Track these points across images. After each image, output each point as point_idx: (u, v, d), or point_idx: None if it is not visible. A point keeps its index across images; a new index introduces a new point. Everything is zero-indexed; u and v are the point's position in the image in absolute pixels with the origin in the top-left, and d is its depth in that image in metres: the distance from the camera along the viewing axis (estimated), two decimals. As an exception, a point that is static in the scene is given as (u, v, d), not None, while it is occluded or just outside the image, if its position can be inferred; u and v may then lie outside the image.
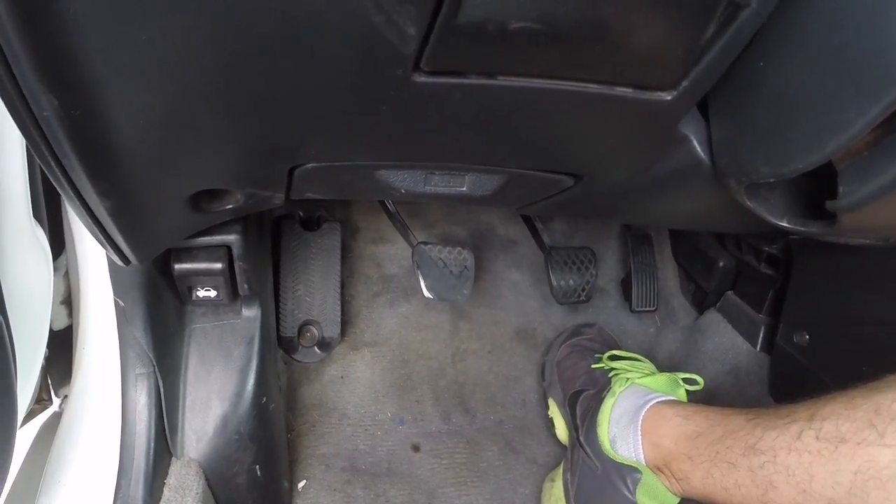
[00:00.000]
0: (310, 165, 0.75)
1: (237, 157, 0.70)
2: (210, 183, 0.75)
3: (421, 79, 0.55)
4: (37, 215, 0.87)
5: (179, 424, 1.03)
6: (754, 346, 1.41)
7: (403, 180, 0.81)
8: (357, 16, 0.47)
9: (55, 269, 1.02)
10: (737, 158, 0.66)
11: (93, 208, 0.66)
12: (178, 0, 0.45)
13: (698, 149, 0.70)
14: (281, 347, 1.37)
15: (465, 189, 0.84)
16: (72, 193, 0.63)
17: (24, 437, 1.06)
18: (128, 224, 0.71)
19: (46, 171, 0.60)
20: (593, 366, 1.28)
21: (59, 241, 1.03)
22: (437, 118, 0.63)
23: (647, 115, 0.64)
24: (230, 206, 0.84)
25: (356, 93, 0.57)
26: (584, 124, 0.67)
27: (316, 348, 1.40)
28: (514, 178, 0.83)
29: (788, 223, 0.71)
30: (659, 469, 1.01)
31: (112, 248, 0.76)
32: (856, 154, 0.59)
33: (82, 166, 0.58)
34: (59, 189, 0.62)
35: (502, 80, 0.56)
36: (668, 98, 0.59)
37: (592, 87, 0.57)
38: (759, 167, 0.63)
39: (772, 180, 0.64)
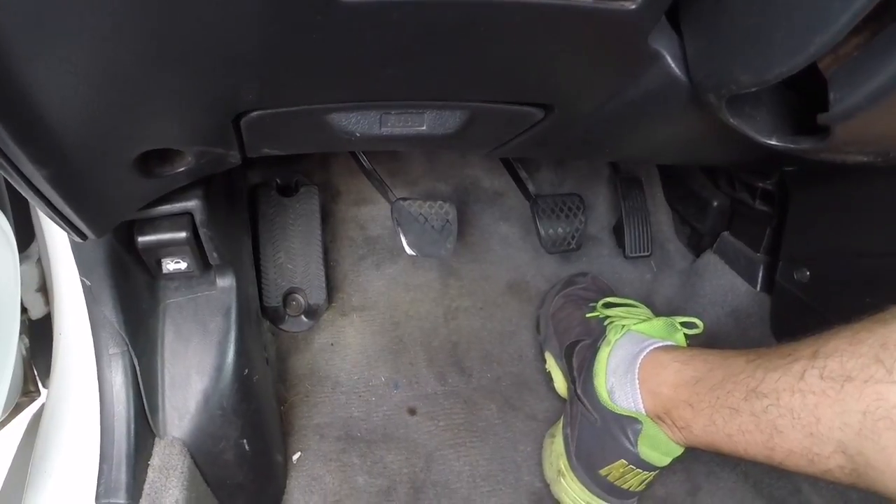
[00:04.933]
0: (255, 114, 0.70)
1: (173, 111, 0.66)
2: (153, 143, 0.71)
3: None
4: (-2, 203, 0.84)
5: (160, 403, 1.00)
6: (754, 286, 1.38)
7: (357, 122, 0.77)
8: None
9: (27, 256, 1.01)
10: (714, 69, 0.62)
11: (31, 179, 0.62)
12: None
13: (672, 65, 0.65)
14: (266, 318, 1.34)
15: (424, 128, 0.79)
16: (4, 164, 0.59)
17: (14, 430, 1.05)
18: (73, 193, 0.67)
19: (-32, 142, 0.56)
20: (588, 315, 1.25)
21: (28, 229, 1.01)
22: (378, 45, 0.58)
23: (611, 29, 0.59)
24: (183, 169, 0.80)
25: (276, 21, 0.52)
26: (542, 43, 0.61)
27: (303, 317, 1.37)
28: (477, 114, 0.78)
29: (778, 140, 0.67)
30: (659, 418, 0.98)
31: (64, 222, 0.72)
32: (845, 58, 0.55)
33: (8, 133, 0.54)
34: None
35: None
36: (632, 7, 0.54)
37: (547, -2, 0.52)
38: (739, 76, 0.59)
39: (754, 89, 0.59)
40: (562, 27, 0.58)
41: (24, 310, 1.03)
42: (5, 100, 0.52)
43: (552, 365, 1.34)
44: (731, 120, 0.66)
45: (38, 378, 1.11)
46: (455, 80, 0.70)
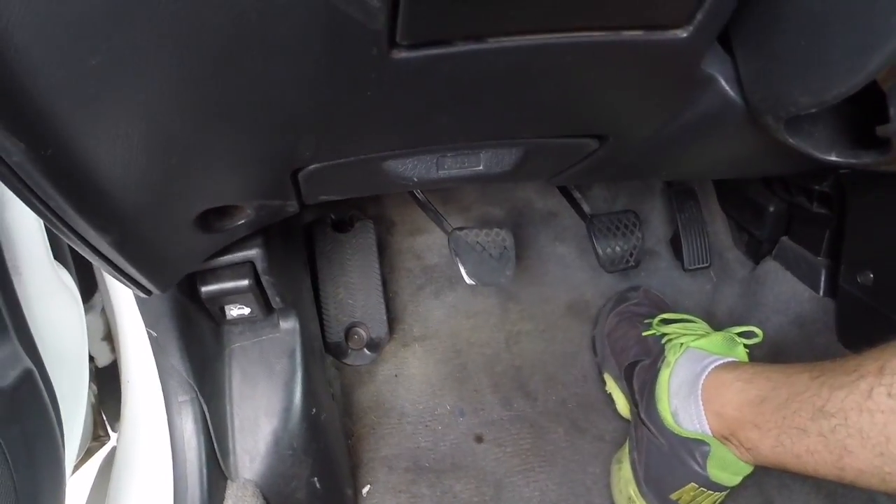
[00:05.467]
0: (312, 167, 0.71)
1: (232, 171, 0.67)
2: (212, 201, 0.72)
3: (401, 55, 0.50)
4: (60, 257, 0.86)
5: (231, 446, 1.02)
6: (817, 291, 1.34)
7: (414, 168, 0.77)
8: None
9: (90, 307, 1.03)
10: (771, 92, 0.61)
11: (95, 245, 0.64)
12: (118, 18, 0.42)
13: (727, 88, 0.65)
14: (329, 353, 1.34)
15: (481, 168, 0.80)
16: (68, 233, 0.60)
17: (86, 474, 1.07)
18: (136, 255, 0.69)
19: (38, 215, 0.57)
20: (644, 333, 1.24)
21: (90, 279, 1.03)
22: (431, 96, 0.59)
23: (664, 58, 0.59)
24: (243, 222, 0.81)
25: (333, 81, 0.53)
26: (595, 78, 0.61)
27: (365, 350, 1.37)
28: (532, 149, 0.78)
29: (838, 157, 0.66)
30: (726, 438, 0.97)
31: (128, 280, 0.73)
32: (903, 71, 0.54)
33: (70, 204, 0.55)
34: (55, 231, 0.60)
35: (493, 43, 0.51)
36: (684, 35, 0.54)
37: (596, 36, 0.52)
38: (798, 97, 0.58)
39: (813, 111, 0.58)
40: (613, 61, 0.58)
41: (91, 358, 1.05)
42: (64, 173, 0.53)
43: (612, 386, 1.33)
44: (791, 140, 0.65)
45: (106, 423, 1.13)
46: (509, 121, 0.70)
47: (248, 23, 0.44)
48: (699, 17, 0.52)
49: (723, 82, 0.65)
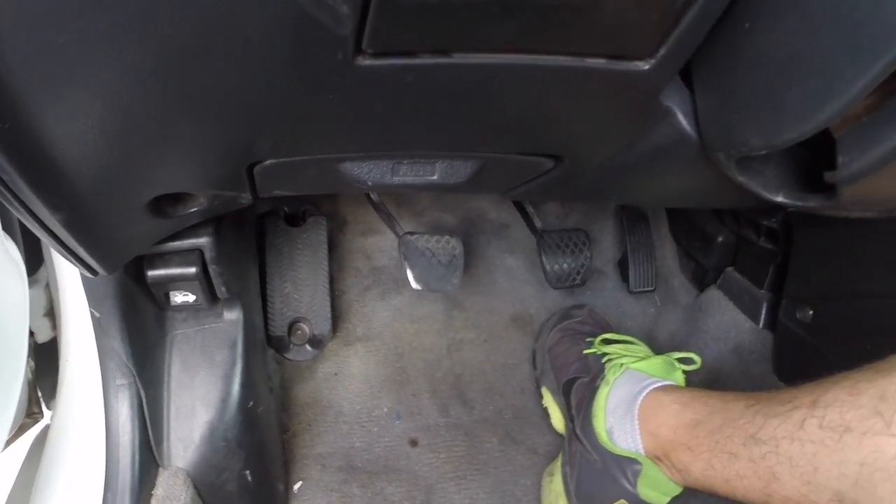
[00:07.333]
0: (268, 162, 0.71)
1: (188, 160, 0.67)
2: (166, 187, 0.72)
3: (365, 62, 0.50)
4: (8, 229, 0.85)
5: (165, 433, 1.01)
6: (757, 323, 1.37)
7: (369, 172, 0.78)
8: None
9: (35, 281, 1.02)
10: (725, 130, 0.62)
11: (45, 222, 0.63)
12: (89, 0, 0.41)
13: (683, 122, 0.66)
14: (271, 347, 1.34)
15: (436, 177, 0.80)
16: (20, 208, 0.60)
17: (17, 451, 1.06)
18: (86, 235, 0.68)
19: (-11, 188, 0.56)
20: (585, 351, 1.25)
21: (37, 254, 1.02)
22: (392, 104, 0.59)
23: (624, 88, 0.59)
24: (195, 210, 0.81)
25: (296, 83, 0.53)
26: (556, 101, 0.62)
27: (307, 346, 1.37)
28: (488, 164, 0.79)
29: (785, 198, 0.68)
30: (658, 459, 0.98)
31: (75, 259, 0.73)
32: (854, 120, 0.56)
33: (24, 180, 0.55)
34: (6, 205, 0.59)
35: (458, 58, 0.52)
36: (646, 67, 0.55)
37: (560, 60, 0.53)
38: (750, 139, 0.59)
39: (764, 152, 0.60)
40: (574, 86, 0.59)
41: (31, 333, 1.03)
42: (21, 148, 0.53)
43: (549, 401, 1.34)
44: (740, 178, 0.66)
45: (41, 400, 1.11)
46: (467, 134, 0.71)
47: (217, 18, 0.44)
48: (662, 51, 0.53)
49: (680, 115, 0.66)
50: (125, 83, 0.50)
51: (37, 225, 0.63)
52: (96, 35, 0.45)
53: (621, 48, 0.53)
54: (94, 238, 0.70)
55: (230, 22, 0.45)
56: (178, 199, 0.79)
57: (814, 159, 0.66)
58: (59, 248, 0.69)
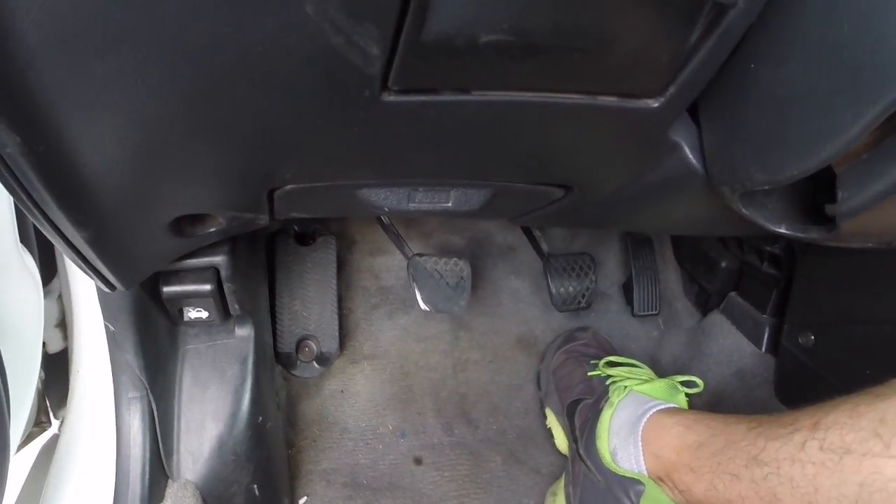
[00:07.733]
0: (289, 187, 0.73)
1: (212, 184, 0.69)
2: (188, 209, 0.74)
3: (390, 98, 0.53)
4: (25, 240, 0.87)
5: (175, 446, 1.02)
6: (759, 347, 1.38)
7: (386, 198, 0.80)
8: (315, 39, 0.45)
9: (48, 292, 1.03)
10: (730, 165, 0.64)
11: (70, 238, 0.65)
12: (129, 33, 0.44)
13: (690, 156, 0.68)
14: (279, 363, 1.35)
15: (450, 205, 0.82)
16: (47, 225, 0.62)
17: (24, 459, 1.07)
18: (108, 252, 0.70)
19: (19, 205, 0.59)
20: (590, 373, 1.26)
21: (50, 265, 1.03)
22: (413, 136, 0.61)
23: (634, 124, 0.62)
24: (214, 230, 0.83)
25: (324, 116, 0.56)
26: (568, 135, 0.64)
27: (315, 363, 1.38)
28: (500, 192, 0.81)
29: (787, 230, 0.69)
30: (661, 480, 0.99)
31: (95, 275, 0.75)
32: (854, 157, 0.57)
33: (53, 199, 0.57)
34: (34, 221, 0.61)
35: (477, 95, 0.54)
36: (655, 105, 0.57)
37: (574, 98, 0.56)
38: (754, 174, 0.61)
39: (767, 187, 0.61)
40: (586, 122, 0.61)
41: (42, 343, 1.05)
42: (54, 169, 0.54)
43: (553, 422, 1.35)
44: (744, 210, 0.68)
45: (49, 410, 1.12)
46: (482, 165, 0.73)
47: (254, 55, 0.46)
48: (671, 90, 0.56)
49: (686, 150, 0.67)
50: (158, 112, 0.52)
51: (61, 241, 0.65)
52: (134, 67, 0.47)
53: (632, 87, 0.55)
54: (115, 255, 0.72)
55: (265, 60, 0.47)
56: (197, 219, 0.81)
57: (816, 191, 0.67)
58: (81, 263, 0.71)
